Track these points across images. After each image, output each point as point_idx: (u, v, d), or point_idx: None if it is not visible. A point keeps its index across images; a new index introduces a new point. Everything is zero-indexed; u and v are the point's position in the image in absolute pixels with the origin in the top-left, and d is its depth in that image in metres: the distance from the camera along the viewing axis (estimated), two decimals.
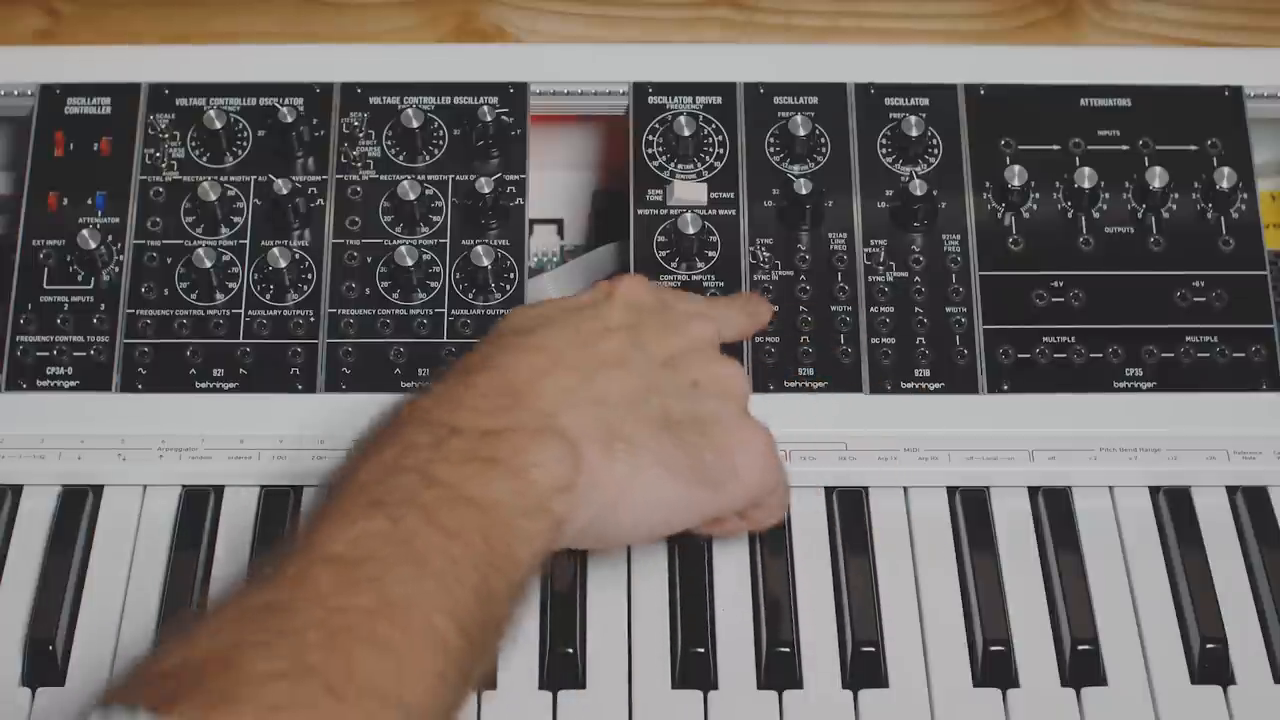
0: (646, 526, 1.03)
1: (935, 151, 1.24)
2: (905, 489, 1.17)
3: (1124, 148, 1.24)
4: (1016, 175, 1.22)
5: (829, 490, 1.16)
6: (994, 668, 1.09)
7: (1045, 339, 1.19)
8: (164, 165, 1.23)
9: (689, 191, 1.23)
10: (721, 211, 1.22)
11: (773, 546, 1.13)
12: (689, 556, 1.12)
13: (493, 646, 0.93)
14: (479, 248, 1.20)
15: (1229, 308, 1.20)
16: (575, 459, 0.97)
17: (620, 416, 1.00)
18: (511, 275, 1.20)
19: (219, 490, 1.16)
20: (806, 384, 1.18)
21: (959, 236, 1.22)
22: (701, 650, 1.09)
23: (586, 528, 0.99)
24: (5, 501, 1.15)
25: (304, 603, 0.86)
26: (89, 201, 1.22)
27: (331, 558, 0.89)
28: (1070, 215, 1.23)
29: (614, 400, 1.00)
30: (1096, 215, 1.23)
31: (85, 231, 1.20)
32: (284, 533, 1.13)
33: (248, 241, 1.21)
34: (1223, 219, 1.23)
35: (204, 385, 1.17)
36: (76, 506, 1.15)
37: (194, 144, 1.24)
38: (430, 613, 0.88)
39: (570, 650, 1.08)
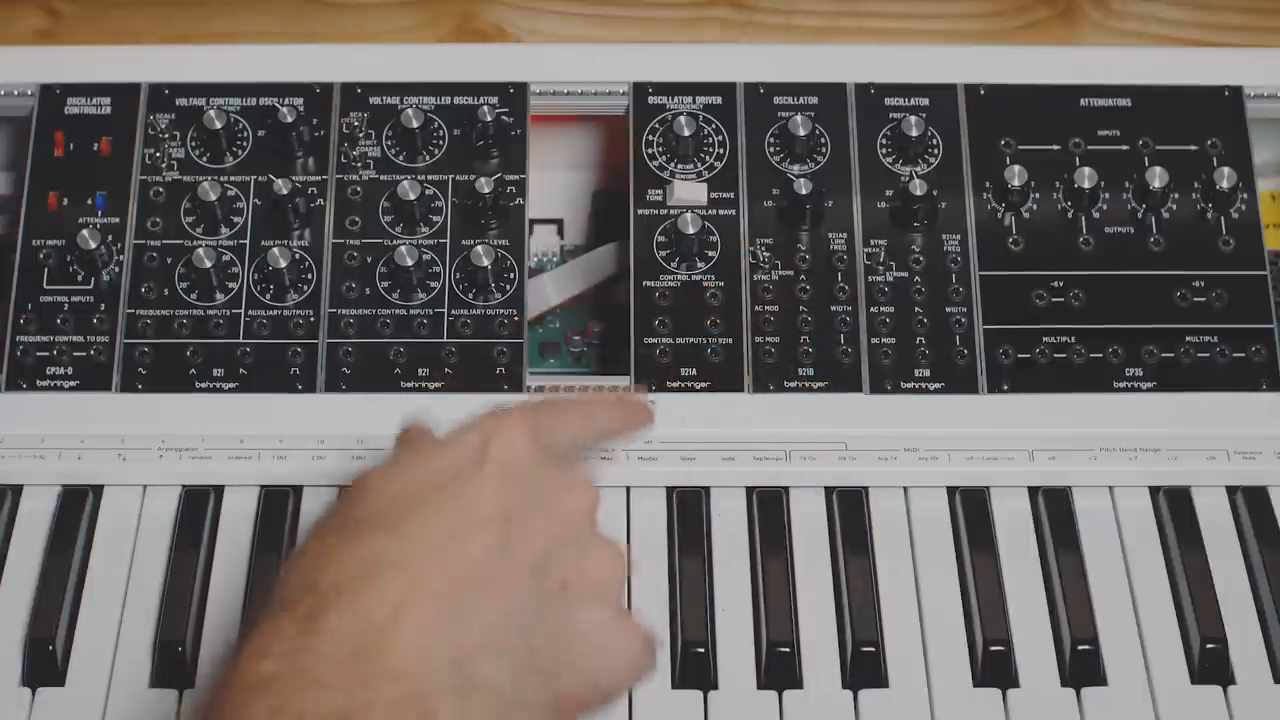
0: None
1: (935, 151, 1.24)
2: (905, 489, 1.17)
3: (1124, 148, 1.24)
4: (1016, 175, 1.22)
5: (829, 490, 1.16)
6: (994, 668, 1.09)
7: (1045, 339, 1.19)
8: (164, 165, 1.23)
9: (689, 191, 1.23)
10: (721, 211, 1.22)
11: (773, 546, 1.13)
12: (689, 557, 1.12)
13: None
14: (479, 248, 1.20)
15: (1229, 308, 1.20)
16: None
17: (480, 661, 0.88)
18: (511, 275, 1.20)
19: (219, 490, 1.16)
20: (806, 384, 1.18)
21: (959, 236, 1.22)
22: (701, 650, 1.09)
23: None
24: (5, 501, 1.15)
25: None
26: (89, 201, 1.22)
27: None
28: (1070, 215, 1.23)
29: (473, 642, 0.88)
30: (1096, 215, 1.23)
31: (85, 231, 1.20)
32: (282, 533, 1.13)
33: (248, 241, 1.21)
34: (1223, 219, 1.23)
35: (204, 385, 1.17)
36: (76, 506, 1.15)
37: (194, 144, 1.24)
38: None
39: None
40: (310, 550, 0.90)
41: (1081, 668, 1.09)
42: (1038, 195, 1.23)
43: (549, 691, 0.91)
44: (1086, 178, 1.22)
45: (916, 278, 1.21)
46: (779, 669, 1.08)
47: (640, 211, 1.23)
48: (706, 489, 1.16)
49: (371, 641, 0.85)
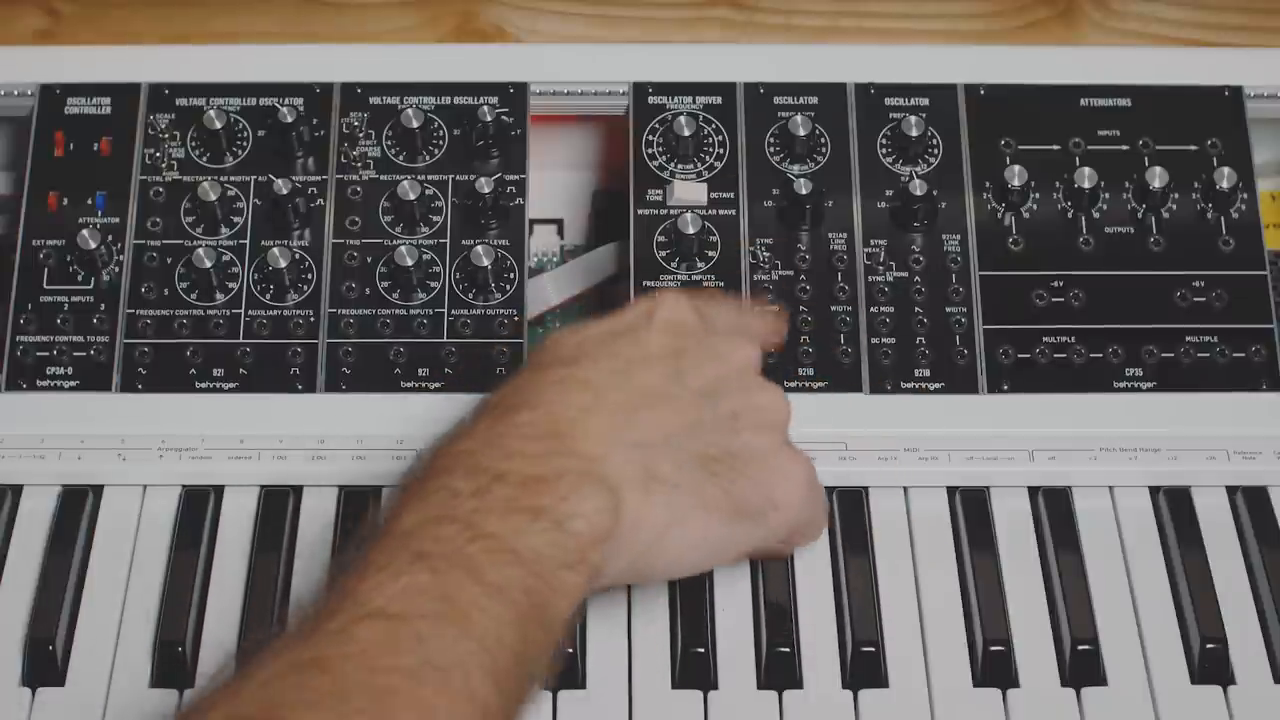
0: (686, 565, 1.03)
1: (935, 151, 1.24)
2: (905, 489, 1.17)
3: (1124, 148, 1.24)
4: (1016, 175, 1.22)
5: (829, 490, 1.16)
6: (994, 668, 1.09)
7: (1045, 339, 1.19)
8: (164, 165, 1.23)
9: (689, 191, 1.23)
10: (721, 211, 1.22)
11: None
12: None
13: (527, 699, 0.93)
14: (479, 248, 1.20)
15: (1229, 308, 1.20)
16: (616, 506, 0.96)
17: (660, 457, 0.99)
18: (511, 275, 1.20)
19: (219, 490, 1.16)
20: (806, 384, 1.18)
21: (959, 236, 1.22)
22: (701, 650, 1.09)
23: (625, 569, 0.99)
24: (5, 501, 1.15)
25: (348, 663, 0.86)
26: (89, 201, 1.22)
27: (375, 613, 0.89)
28: (1070, 215, 1.23)
29: (653, 440, 0.99)
30: (1096, 215, 1.23)
31: (85, 231, 1.20)
32: (282, 533, 1.13)
33: (248, 241, 1.21)
34: (1223, 219, 1.23)
35: (204, 385, 1.17)
36: (76, 506, 1.15)
37: (194, 144, 1.24)
38: (471, 674, 0.88)
39: (571, 650, 1.08)
40: (499, 390, 1.02)
41: (1081, 668, 1.09)
42: (1038, 195, 1.23)
43: (727, 498, 1.01)
44: (1086, 178, 1.22)
45: (916, 278, 1.21)
46: (779, 669, 1.08)
47: (640, 211, 1.23)
48: None
49: (563, 429, 0.98)
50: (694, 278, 1.20)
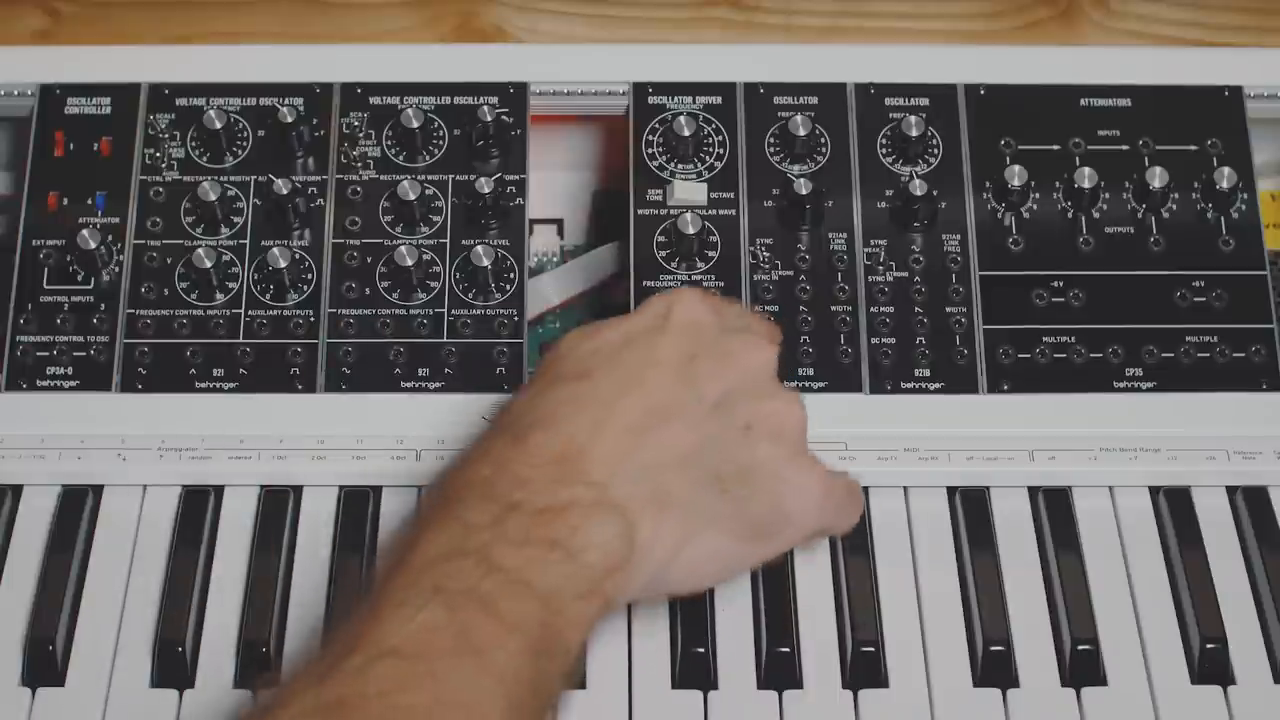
0: (701, 581, 1.04)
1: (935, 151, 1.24)
2: (905, 489, 1.17)
3: (1124, 148, 1.24)
4: (1016, 175, 1.22)
5: None
6: (994, 668, 1.09)
7: (1045, 339, 1.19)
8: (164, 165, 1.23)
9: (689, 191, 1.23)
10: (721, 211, 1.22)
11: None
12: None
13: None
14: (479, 248, 1.20)
15: (1229, 308, 1.20)
16: (629, 535, 0.96)
17: (672, 479, 0.99)
18: (511, 275, 1.20)
19: (219, 490, 1.16)
20: (806, 384, 1.18)
21: (959, 236, 1.22)
22: (701, 650, 1.09)
23: (639, 590, 0.99)
24: (5, 501, 1.15)
25: (369, 703, 0.87)
26: (89, 201, 1.22)
27: (392, 651, 0.89)
28: (1070, 215, 1.23)
29: (665, 461, 0.99)
30: (1096, 215, 1.23)
31: (85, 231, 1.20)
32: (282, 533, 1.13)
33: (248, 241, 1.21)
34: (1223, 219, 1.23)
35: (204, 385, 1.17)
36: (76, 506, 1.15)
37: (194, 144, 1.24)
38: (489, 710, 0.88)
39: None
40: (514, 402, 1.02)
41: (1081, 668, 1.09)
42: (1038, 195, 1.23)
43: (739, 516, 1.01)
44: (1086, 178, 1.22)
45: (916, 278, 1.21)
46: (779, 669, 1.08)
47: (640, 211, 1.23)
48: None
49: (572, 454, 0.97)
50: (694, 278, 1.20)
